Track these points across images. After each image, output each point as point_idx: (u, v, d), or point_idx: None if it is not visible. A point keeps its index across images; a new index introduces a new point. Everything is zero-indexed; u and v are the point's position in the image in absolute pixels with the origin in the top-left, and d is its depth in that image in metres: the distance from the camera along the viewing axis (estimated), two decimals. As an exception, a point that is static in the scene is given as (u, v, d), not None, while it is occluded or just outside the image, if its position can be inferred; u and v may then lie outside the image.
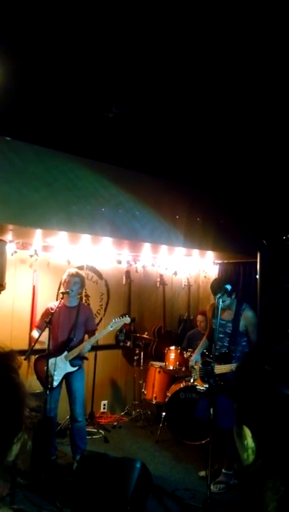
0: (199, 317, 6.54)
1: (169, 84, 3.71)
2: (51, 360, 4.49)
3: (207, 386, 4.40)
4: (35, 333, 4.81)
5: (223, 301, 4.19)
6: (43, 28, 3.00)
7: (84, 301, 6.20)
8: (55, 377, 4.56)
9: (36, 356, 4.88)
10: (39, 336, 4.66)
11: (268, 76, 3.50)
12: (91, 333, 4.91)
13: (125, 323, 5.13)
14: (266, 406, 0.79)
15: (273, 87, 3.66)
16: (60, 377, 4.64)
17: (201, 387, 4.62)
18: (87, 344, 4.70)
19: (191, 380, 4.94)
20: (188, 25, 2.97)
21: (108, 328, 4.83)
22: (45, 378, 4.44)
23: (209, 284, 7.60)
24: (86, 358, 4.95)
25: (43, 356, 4.61)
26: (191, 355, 5.65)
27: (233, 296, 4.42)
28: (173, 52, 3.26)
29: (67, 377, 4.74)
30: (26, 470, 4.13)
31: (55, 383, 4.57)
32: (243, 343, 4.37)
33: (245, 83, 3.63)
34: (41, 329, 4.65)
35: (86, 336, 4.92)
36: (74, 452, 4.67)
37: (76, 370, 4.70)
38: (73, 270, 4.99)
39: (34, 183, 4.33)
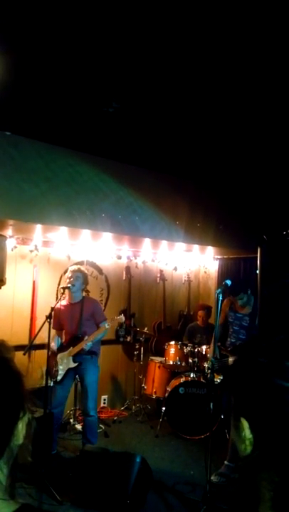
0: (200, 312, 6.57)
1: (170, 78, 3.69)
2: (59, 356, 4.76)
3: (222, 378, 4.45)
4: (57, 341, 4.98)
5: (240, 299, 4.30)
6: (43, 22, 2.98)
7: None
8: (60, 372, 4.73)
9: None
10: (38, 331, 4.69)
11: (268, 71, 3.49)
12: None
13: (126, 320, 5.19)
14: (262, 398, 0.81)
15: (274, 84, 3.64)
16: (63, 372, 4.74)
17: (216, 379, 4.66)
18: (87, 342, 4.73)
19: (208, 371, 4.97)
20: (188, 19, 2.95)
21: (106, 326, 4.87)
22: (51, 373, 4.64)
23: (209, 280, 7.69)
24: (95, 353, 4.94)
25: (55, 352, 4.86)
26: (191, 350, 5.69)
27: (249, 292, 4.49)
28: (173, 46, 3.24)
29: (79, 372, 4.83)
30: (27, 464, 4.14)
31: (59, 377, 4.72)
32: None
33: (246, 78, 3.61)
34: (56, 329, 4.92)
35: None
36: (84, 445, 4.69)
37: (78, 366, 4.76)
38: (75, 267, 5.00)
39: (34, 178, 4.32)
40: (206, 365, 4.88)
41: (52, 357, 4.77)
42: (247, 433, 0.84)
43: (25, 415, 0.95)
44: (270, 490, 0.79)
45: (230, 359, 4.37)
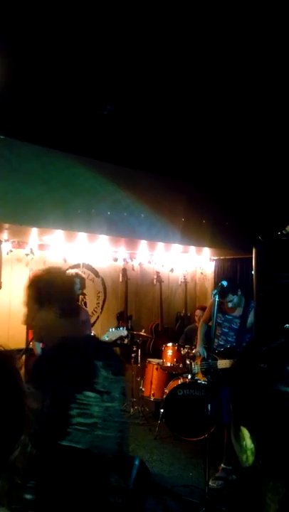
0: (198, 312, 6.53)
1: (164, 81, 3.70)
2: None
3: (209, 380, 4.42)
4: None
5: (230, 301, 4.23)
6: (39, 26, 2.98)
7: (80, 299, 6.18)
8: None
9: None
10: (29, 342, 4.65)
11: (265, 72, 3.50)
12: None
13: (122, 335, 5.02)
14: (264, 404, 0.78)
15: (271, 86, 3.65)
16: None
17: (203, 381, 4.62)
18: None
19: (192, 374, 4.93)
20: (182, 21, 2.95)
21: (104, 337, 4.77)
22: None
23: (206, 281, 7.69)
24: None
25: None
26: (188, 352, 5.67)
27: (240, 293, 4.42)
28: (167, 49, 3.24)
29: None
30: (24, 469, 4.12)
31: None
32: (247, 340, 4.38)
33: (241, 80, 3.62)
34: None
35: None
36: None
37: None
38: (72, 271, 4.97)
39: (30, 180, 4.30)
40: (193, 365, 4.82)
41: None
42: (248, 442, 0.80)
43: (24, 437, 0.93)
44: (276, 502, 0.76)
45: (220, 362, 4.32)
